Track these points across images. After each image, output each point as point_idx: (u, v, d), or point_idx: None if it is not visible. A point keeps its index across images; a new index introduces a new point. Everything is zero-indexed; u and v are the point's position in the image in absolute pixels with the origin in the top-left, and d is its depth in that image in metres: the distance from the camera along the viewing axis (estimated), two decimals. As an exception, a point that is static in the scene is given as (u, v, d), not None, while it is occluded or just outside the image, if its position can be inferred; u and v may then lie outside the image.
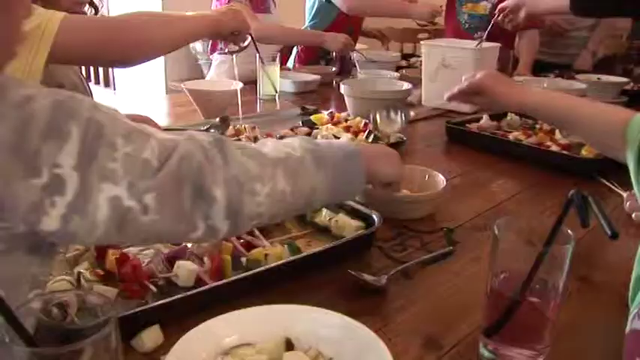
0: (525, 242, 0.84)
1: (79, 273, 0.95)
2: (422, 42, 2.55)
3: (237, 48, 1.82)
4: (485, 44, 2.37)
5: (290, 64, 3.42)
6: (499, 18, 2.37)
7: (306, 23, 3.35)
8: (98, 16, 1.43)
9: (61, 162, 0.62)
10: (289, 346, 0.73)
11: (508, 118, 2.08)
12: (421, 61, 2.93)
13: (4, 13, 0.63)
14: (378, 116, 1.81)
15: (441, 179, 1.38)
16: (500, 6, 2.38)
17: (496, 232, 0.81)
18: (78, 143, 0.64)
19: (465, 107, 2.24)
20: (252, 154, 0.81)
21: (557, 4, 2.13)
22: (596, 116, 1.20)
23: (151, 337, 0.84)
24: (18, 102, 0.62)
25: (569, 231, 0.78)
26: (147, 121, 1.38)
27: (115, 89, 5.11)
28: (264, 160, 0.82)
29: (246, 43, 1.78)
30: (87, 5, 1.51)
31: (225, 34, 1.61)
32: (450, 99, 1.54)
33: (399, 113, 1.81)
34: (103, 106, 0.69)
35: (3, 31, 0.64)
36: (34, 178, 0.61)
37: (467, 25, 3.31)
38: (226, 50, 2.03)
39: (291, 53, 3.41)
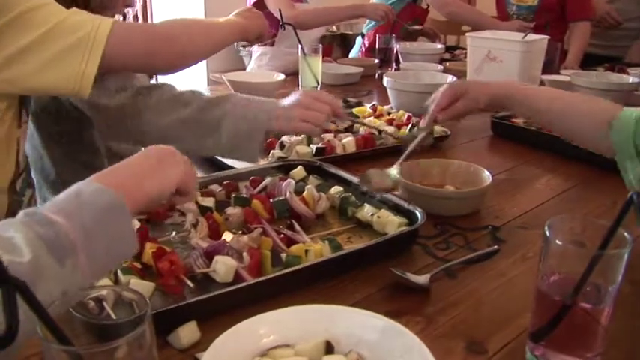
0: (578, 244, 0.80)
1: (117, 265, 0.94)
2: (467, 34, 2.50)
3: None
4: (533, 36, 2.32)
5: (354, 54, 3.48)
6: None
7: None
8: (144, 23, 1.45)
9: None
10: (329, 348, 0.71)
11: (555, 112, 2.02)
12: (465, 54, 2.89)
13: None
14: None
15: (486, 175, 1.34)
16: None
17: (547, 232, 0.78)
18: None
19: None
20: None
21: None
22: (577, 111, 1.22)
23: (187, 333, 0.83)
24: None
25: (625, 234, 0.74)
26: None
27: (156, 81, 5.15)
28: None
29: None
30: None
31: (251, 40, 1.66)
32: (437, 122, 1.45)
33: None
34: None
35: None
36: None
37: (515, 17, 3.24)
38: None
39: (333, 44, 3.45)
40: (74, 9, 1.16)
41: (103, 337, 0.62)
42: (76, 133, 1.59)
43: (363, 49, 3.52)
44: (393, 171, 1.29)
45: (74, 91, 1.12)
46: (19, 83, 1.09)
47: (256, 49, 3.05)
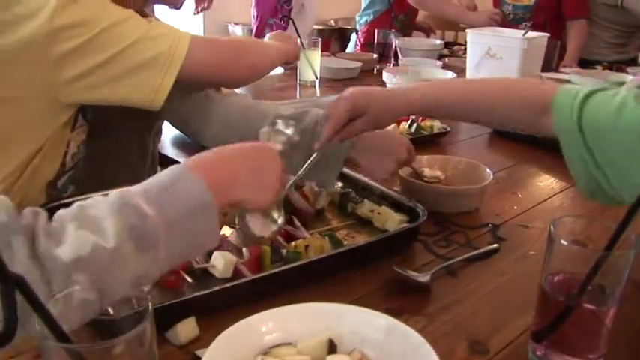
0: (583, 244, 0.79)
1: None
2: (467, 30, 2.49)
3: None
4: (533, 34, 2.31)
5: (350, 49, 3.48)
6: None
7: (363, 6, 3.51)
8: (217, 37, 1.45)
9: None
10: (332, 346, 0.70)
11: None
12: (464, 50, 2.88)
13: None
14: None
15: (487, 172, 1.34)
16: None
17: (552, 231, 0.77)
18: None
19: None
20: (41, 255, 0.61)
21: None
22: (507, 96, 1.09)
23: (186, 329, 0.82)
24: None
25: (632, 236, 0.73)
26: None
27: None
28: (55, 266, 0.61)
29: None
30: None
31: (291, 62, 1.67)
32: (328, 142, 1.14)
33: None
34: None
35: None
36: None
37: (511, 16, 3.23)
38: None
39: (331, 39, 3.45)
40: (153, 22, 1.19)
41: (101, 333, 0.61)
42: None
43: (359, 45, 3.50)
44: (275, 215, 1.00)
45: (147, 103, 1.15)
46: (95, 94, 1.13)
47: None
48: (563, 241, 0.76)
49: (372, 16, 3.46)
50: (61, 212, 0.64)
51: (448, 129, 1.80)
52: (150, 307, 0.57)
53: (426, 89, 1.14)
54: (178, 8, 1.53)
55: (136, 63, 1.12)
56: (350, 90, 1.12)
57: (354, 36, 3.67)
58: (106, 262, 0.62)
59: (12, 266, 0.51)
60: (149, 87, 1.14)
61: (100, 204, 0.66)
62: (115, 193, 0.67)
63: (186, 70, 1.16)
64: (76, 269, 0.61)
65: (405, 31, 3.40)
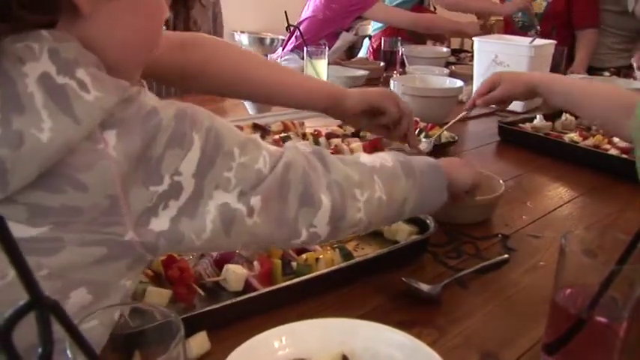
0: (595, 256, 0.79)
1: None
2: (474, 38, 2.49)
3: None
4: (540, 41, 2.31)
5: (362, 53, 3.47)
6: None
7: None
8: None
9: (182, 170, 0.65)
10: (345, 362, 0.70)
11: (563, 118, 2.01)
12: (470, 57, 2.88)
13: (149, 19, 0.71)
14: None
15: (498, 182, 1.33)
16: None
17: (563, 244, 0.77)
18: (199, 151, 0.66)
19: (518, 106, 2.19)
20: (350, 163, 0.85)
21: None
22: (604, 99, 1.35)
23: (197, 343, 0.82)
24: (146, 113, 0.63)
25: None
26: None
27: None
28: (362, 168, 0.85)
29: None
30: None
31: None
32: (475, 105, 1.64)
33: None
34: (216, 115, 0.72)
35: (149, 35, 0.72)
36: (155, 185, 0.63)
37: (520, 24, 3.24)
38: None
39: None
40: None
41: (120, 346, 0.61)
42: None
43: (371, 51, 3.50)
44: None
45: None
46: None
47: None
48: (574, 254, 0.76)
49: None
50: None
51: (456, 138, 1.80)
52: (182, 330, 0.57)
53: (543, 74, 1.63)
54: None
55: None
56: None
57: (366, 41, 3.66)
58: (389, 174, 0.89)
59: (330, 172, 0.80)
60: None
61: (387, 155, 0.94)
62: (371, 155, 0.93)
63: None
64: (373, 174, 0.86)
65: (417, 39, 3.38)
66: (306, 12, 3.04)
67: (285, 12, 2.58)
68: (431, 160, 1.00)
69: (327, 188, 0.78)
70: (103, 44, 0.65)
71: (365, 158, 0.89)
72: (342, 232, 0.84)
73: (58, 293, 0.62)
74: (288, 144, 0.81)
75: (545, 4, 3.09)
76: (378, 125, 1.38)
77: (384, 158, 0.91)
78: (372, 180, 0.86)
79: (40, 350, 0.43)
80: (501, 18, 3.54)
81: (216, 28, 2.56)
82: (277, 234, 0.75)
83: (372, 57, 3.42)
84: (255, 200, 0.70)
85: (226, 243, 0.72)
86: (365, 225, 0.86)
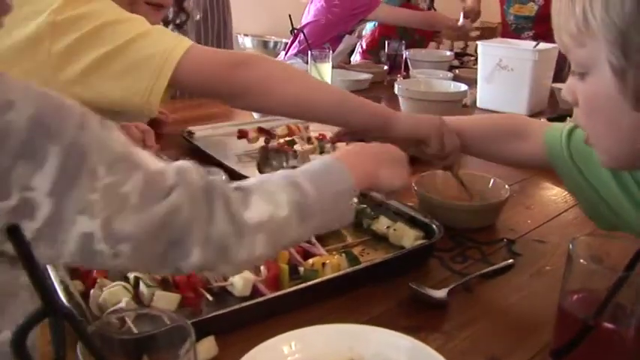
0: (603, 263, 0.79)
1: (137, 278, 0.93)
2: (478, 42, 2.49)
3: None
4: (545, 45, 2.31)
5: (354, 57, 3.45)
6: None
7: None
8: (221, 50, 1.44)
9: (33, 185, 0.56)
10: (353, 368, 0.70)
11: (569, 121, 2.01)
12: (474, 61, 2.87)
13: None
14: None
15: (503, 187, 1.33)
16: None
17: (571, 250, 0.77)
18: (55, 169, 0.57)
19: (523, 110, 2.19)
20: (234, 217, 0.71)
21: None
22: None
23: (205, 348, 0.82)
24: None
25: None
26: (146, 132, 1.38)
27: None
28: (244, 227, 0.72)
29: None
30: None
31: None
32: None
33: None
34: (94, 125, 0.62)
35: None
36: (1, 199, 0.55)
37: (514, 26, 3.24)
38: None
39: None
40: (159, 27, 1.19)
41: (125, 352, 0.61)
42: None
43: (360, 51, 3.46)
44: None
45: (140, 106, 1.14)
46: (90, 93, 1.11)
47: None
48: (582, 260, 0.76)
49: (376, 22, 3.40)
50: (242, 183, 0.77)
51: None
52: (193, 336, 0.57)
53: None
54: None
55: (130, 62, 1.11)
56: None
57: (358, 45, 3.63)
58: (278, 228, 0.76)
59: (212, 224, 0.69)
60: (141, 89, 1.12)
61: (272, 181, 0.80)
62: (279, 174, 0.82)
63: (180, 77, 1.14)
64: (258, 231, 0.73)
65: (408, 38, 3.35)
66: (307, 16, 3.04)
67: (290, 15, 2.58)
68: (341, 183, 0.85)
69: (202, 244, 0.68)
70: None
71: (255, 203, 0.75)
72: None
73: None
74: (176, 168, 0.69)
75: (536, 7, 3.10)
76: (423, 152, 1.30)
77: (279, 203, 0.77)
78: (255, 239, 0.73)
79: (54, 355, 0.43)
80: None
81: (226, 35, 2.56)
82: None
83: (361, 57, 3.40)
84: (125, 247, 0.62)
85: (86, 267, 0.70)
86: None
